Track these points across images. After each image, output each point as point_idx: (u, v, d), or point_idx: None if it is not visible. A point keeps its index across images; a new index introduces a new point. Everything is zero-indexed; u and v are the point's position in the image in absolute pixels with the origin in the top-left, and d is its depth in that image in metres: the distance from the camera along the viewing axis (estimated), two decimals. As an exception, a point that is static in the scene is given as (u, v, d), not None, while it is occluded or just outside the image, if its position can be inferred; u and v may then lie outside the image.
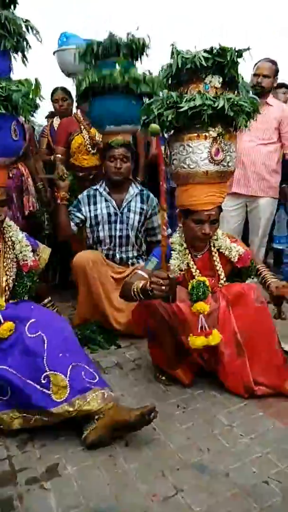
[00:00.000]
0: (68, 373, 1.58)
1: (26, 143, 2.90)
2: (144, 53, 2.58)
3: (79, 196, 2.68)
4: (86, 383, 1.59)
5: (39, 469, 1.45)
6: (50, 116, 4.16)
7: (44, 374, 1.56)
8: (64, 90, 3.55)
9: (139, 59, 2.60)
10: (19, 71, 2.23)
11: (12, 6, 1.78)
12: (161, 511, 1.29)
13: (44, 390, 1.55)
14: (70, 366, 1.60)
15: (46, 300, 2.23)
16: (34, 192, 2.98)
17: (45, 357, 1.58)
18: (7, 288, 1.90)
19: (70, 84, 3.40)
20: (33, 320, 1.68)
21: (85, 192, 2.67)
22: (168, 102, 1.79)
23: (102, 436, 1.54)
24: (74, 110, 3.49)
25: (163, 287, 1.57)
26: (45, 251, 2.12)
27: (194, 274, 1.95)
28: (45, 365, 1.57)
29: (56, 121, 3.59)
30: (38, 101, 1.86)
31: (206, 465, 1.48)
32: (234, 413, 1.76)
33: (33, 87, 1.79)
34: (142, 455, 1.53)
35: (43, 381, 1.56)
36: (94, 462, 1.49)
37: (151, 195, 2.67)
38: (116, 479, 1.41)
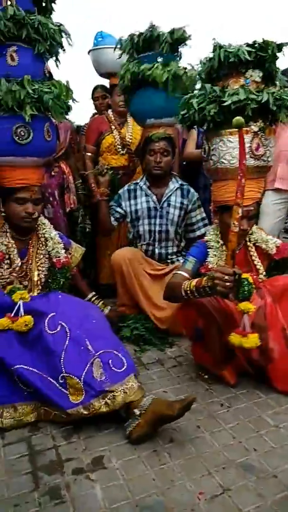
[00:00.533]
0: (84, 375, 1.56)
1: (68, 142, 2.95)
2: (185, 45, 2.57)
3: (120, 191, 2.70)
4: (104, 383, 1.56)
5: (85, 460, 1.46)
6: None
7: (61, 374, 1.57)
8: (103, 88, 3.58)
9: (179, 51, 2.61)
10: (57, 72, 2.32)
11: (48, 13, 1.88)
12: (208, 510, 1.26)
13: (62, 389, 1.57)
14: (88, 365, 1.58)
15: (90, 295, 2.26)
16: (75, 190, 3.02)
17: (62, 358, 1.59)
18: (39, 282, 1.95)
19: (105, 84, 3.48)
20: (52, 314, 1.69)
21: (125, 187, 2.69)
22: (210, 96, 1.77)
23: (147, 431, 1.53)
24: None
25: (228, 284, 1.53)
26: (77, 250, 2.17)
27: None
28: (62, 366, 1.57)
29: None
30: (70, 102, 1.91)
31: (253, 465, 1.44)
32: (281, 414, 1.70)
33: (64, 89, 1.83)
34: (186, 452, 1.51)
35: (60, 381, 1.58)
36: (138, 456, 1.48)
37: (192, 189, 2.64)
38: (161, 475, 1.40)
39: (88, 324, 1.70)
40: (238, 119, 1.47)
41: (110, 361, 1.61)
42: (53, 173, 2.90)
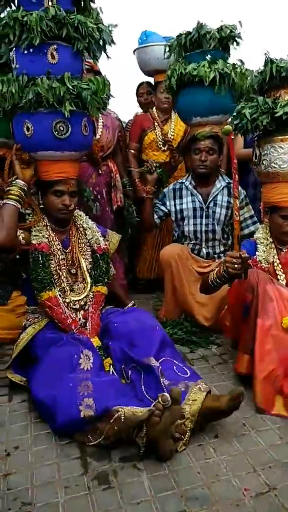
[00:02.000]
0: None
1: (116, 140, 3.00)
2: (235, 42, 2.54)
3: (165, 190, 2.72)
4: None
5: (131, 450, 1.49)
6: None
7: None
8: (149, 84, 3.62)
9: (229, 48, 2.58)
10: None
11: (86, 12, 1.92)
12: (253, 506, 1.26)
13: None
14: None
15: (130, 304, 2.33)
16: (122, 188, 3.08)
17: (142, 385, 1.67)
18: (87, 269, 2.03)
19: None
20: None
21: (171, 186, 2.70)
22: (263, 108, 1.89)
23: (192, 427, 1.53)
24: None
25: (236, 266, 1.76)
26: (114, 237, 2.24)
27: (276, 270, 2.03)
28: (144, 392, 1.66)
29: None
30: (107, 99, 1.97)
31: (300, 466, 1.42)
32: None
33: (101, 85, 1.87)
34: (232, 448, 1.51)
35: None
36: (184, 449, 1.51)
37: (239, 187, 2.61)
38: (206, 469, 1.41)
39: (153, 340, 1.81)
40: (226, 128, 1.73)
41: (174, 367, 1.71)
42: (100, 172, 2.97)
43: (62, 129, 1.81)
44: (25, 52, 1.74)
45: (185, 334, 2.41)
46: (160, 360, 1.70)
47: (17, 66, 1.81)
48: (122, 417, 1.44)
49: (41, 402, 1.64)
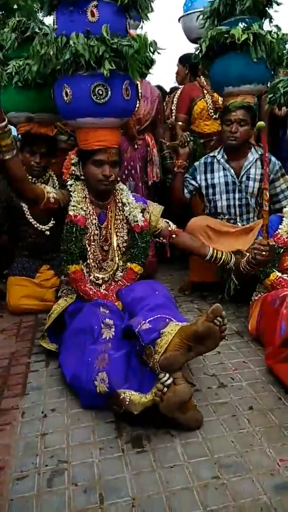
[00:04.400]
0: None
1: (155, 112, 2.94)
2: (271, 7, 2.41)
3: (196, 164, 2.64)
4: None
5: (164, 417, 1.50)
6: (170, 93, 4.18)
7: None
8: (179, 60, 3.54)
9: (266, 14, 2.44)
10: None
11: None
12: (288, 476, 1.24)
13: None
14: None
15: (210, 250, 2.22)
16: (159, 162, 3.03)
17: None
18: (117, 248, 1.98)
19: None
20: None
21: (202, 159, 2.63)
22: None
23: (175, 354, 1.44)
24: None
25: (264, 253, 1.84)
26: (155, 208, 2.11)
27: None
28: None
29: None
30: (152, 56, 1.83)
31: None
32: None
33: (145, 43, 1.75)
34: (266, 420, 1.49)
35: None
36: (217, 418, 1.50)
37: (273, 158, 2.50)
38: (240, 438, 1.40)
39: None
40: (259, 123, 1.80)
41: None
42: (136, 146, 2.93)
43: (101, 92, 1.73)
44: (65, 11, 1.68)
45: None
46: (149, 319, 1.57)
47: (56, 27, 1.76)
48: (127, 401, 1.41)
49: (68, 381, 1.67)
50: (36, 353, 2.03)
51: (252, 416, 1.51)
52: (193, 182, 2.62)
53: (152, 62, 1.86)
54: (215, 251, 2.17)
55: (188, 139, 2.62)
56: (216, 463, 1.30)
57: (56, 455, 1.36)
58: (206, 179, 2.58)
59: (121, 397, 1.41)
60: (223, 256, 2.17)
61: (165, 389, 1.37)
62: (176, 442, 1.39)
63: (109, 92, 1.75)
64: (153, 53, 1.84)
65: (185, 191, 2.62)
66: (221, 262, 2.17)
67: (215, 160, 2.57)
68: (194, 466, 1.29)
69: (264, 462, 1.30)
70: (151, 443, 1.39)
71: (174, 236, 2.12)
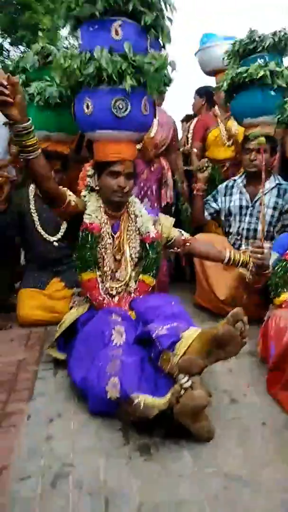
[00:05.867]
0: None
1: (170, 139, 3.06)
2: None
3: (219, 187, 2.73)
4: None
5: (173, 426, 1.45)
6: (185, 119, 4.35)
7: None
8: (197, 92, 3.72)
9: (285, 51, 2.56)
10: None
11: None
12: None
13: None
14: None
15: (227, 254, 2.18)
16: (172, 186, 3.11)
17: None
18: (130, 258, 1.99)
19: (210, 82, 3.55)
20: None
21: (225, 183, 2.72)
22: None
23: (194, 358, 1.44)
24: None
25: (259, 256, 1.92)
26: (167, 219, 2.12)
27: None
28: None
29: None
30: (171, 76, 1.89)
31: None
32: None
33: (165, 61, 1.79)
34: (279, 437, 1.43)
35: None
36: (228, 432, 1.45)
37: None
38: (252, 453, 1.35)
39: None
40: (261, 139, 1.95)
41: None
42: (152, 169, 3.03)
43: (121, 106, 1.79)
44: (90, 28, 1.76)
45: None
46: (166, 326, 1.57)
47: (80, 43, 1.84)
48: (141, 405, 1.37)
49: (77, 385, 1.64)
50: (44, 361, 2.01)
51: (264, 433, 1.46)
52: (213, 204, 2.71)
53: (170, 81, 1.95)
54: (233, 253, 2.13)
55: (206, 165, 2.70)
56: (226, 475, 1.25)
57: (60, 459, 1.32)
58: (225, 201, 2.66)
59: (135, 401, 1.38)
60: (241, 258, 2.12)
61: (182, 392, 1.35)
62: (185, 452, 1.34)
63: (129, 107, 1.81)
64: (171, 71, 1.90)
65: (206, 213, 2.70)
66: (240, 263, 2.11)
67: (235, 184, 2.66)
68: (203, 477, 1.24)
69: (277, 478, 1.24)
70: (159, 452, 1.35)
71: (188, 244, 2.12)
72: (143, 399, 1.38)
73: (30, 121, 1.60)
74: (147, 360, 1.57)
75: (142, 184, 2.97)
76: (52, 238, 2.61)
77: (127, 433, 1.45)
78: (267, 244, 1.87)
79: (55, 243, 2.61)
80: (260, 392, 1.72)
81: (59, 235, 2.60)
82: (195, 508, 1.12)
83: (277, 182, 2.56)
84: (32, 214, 2.58)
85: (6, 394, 1.71)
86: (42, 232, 2.59)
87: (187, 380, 1.38)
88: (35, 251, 2.65)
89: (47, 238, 2.60)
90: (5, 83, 1.46)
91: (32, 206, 2.59)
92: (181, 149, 3.45)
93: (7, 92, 1.47)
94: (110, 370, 1.50)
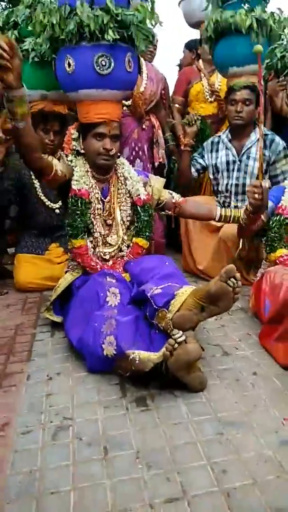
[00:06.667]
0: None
1: (159, 95, 2.96)
2: None
3: (204, 143, 2.67)
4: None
5: (168, 378, 1.50)
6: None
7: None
8: (186, 46, 3.58)
9: None
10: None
11: None
12: (292, 434, 1.25)
13: None
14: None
15: (218, 211, 2.16)
16: (164, 144, 3.05)
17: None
18: (121, 222, 1.97)
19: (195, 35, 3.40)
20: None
21: (210, 139, 2.67)
22: None
23: (187, 313, 1.48)
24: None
25: (257, 195, 1.75)
26: (157, 181, 2.07)
27: None
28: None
29: None
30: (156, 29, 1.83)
31: None
32: None
33: (148, 13, 1.73)
34: (270, 384, 1.49)
35: None
36: (220, 382, 1.51)
37: (277, 139, 2.48)
38: (244, 400, 1.40)
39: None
40: (257, 47, 1.62)
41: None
42: (143, 127, 2.94)
43: (104, 63, 1.71)
44: None
45: None
46: (161, 286, 1.59)
47: None
48: (137, 360, 1.42)
49: (74, 346, 1.68)
50: (41, 325, 2.05)
51: (255, 381, 1.51)
52: (200, 161, 2.66)
53: (153, 36, 1.86)
54: (224, 210, 2.11)
55: (195, 118, 2.63)
56: (219, 421, 1.30)
57: (60, 413, 1.37)
58: (211, 158, 2.62)
59: (130, 357, 1.42)
60: (233, 213, 2.09)
61: (176, 345, 1.39)
62: (180, 402, 1.40)
63: (112, 63, 1.73)
64: (154, 26, 1.83)
65: (192, 169, 2.64)
66: (231, 219, 2.09)
67: (220, 140, 2.59)
68: (198, 423, 1.29)
69: (268, 421, 1.30)
70: (155, 402, 1.40)
71: (179, 206, 2.10)
72: (138, 354, 1.42)
73: (23, 89, 1.53)
74: (141, 318, 1.61)
75: (133, 144, 2.90)
76: (54, 206, 2.59)
77: (124, 387, 1.50)
78: (265, 183, 1.77)
79: (57, 210, 2.59)
80: (252, 345, 1.77)
81: (61, 202, 2.55)
82: (190, 451, 1.18)
83: (263, 132, 2.51)
84: (34, 181, 2.53)
85: (5, 356, 1.75)
86: (45, 200, 2.56)
87: (181, 335, 1.41)
88: (36, 219, 2.61)
89: (50, 206, 2.57)
90: (6, 47, 1.38)
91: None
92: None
93: (6, 56, 1.39)
94: (106, 330, 1.53)
